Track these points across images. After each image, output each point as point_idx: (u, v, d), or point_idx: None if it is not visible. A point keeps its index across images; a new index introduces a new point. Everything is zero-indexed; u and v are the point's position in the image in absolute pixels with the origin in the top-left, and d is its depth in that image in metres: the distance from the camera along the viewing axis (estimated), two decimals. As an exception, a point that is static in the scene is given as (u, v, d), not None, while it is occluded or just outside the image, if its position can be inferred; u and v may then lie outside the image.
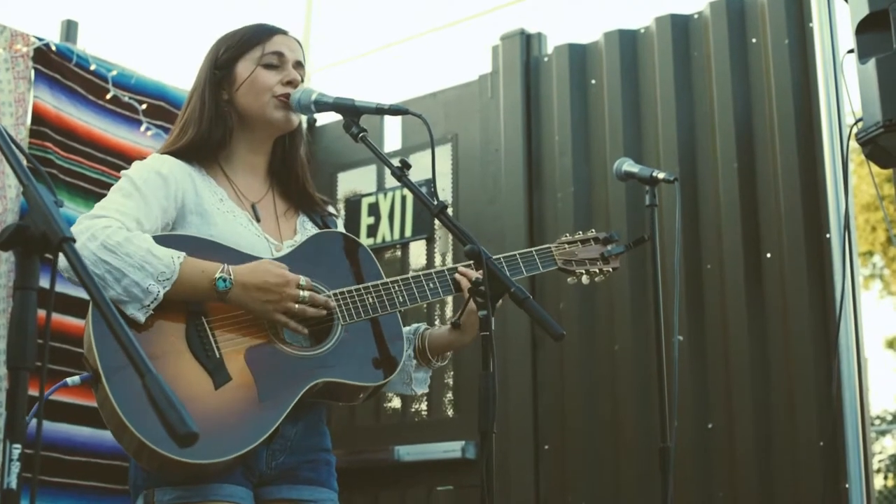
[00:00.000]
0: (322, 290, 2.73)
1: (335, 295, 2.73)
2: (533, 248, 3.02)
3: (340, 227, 3.03)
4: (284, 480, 2.72)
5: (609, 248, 3.07)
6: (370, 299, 2.76)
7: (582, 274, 3.03)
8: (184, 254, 2.55)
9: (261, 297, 2.58)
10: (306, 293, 2.63)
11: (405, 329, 2.90)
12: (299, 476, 2.73)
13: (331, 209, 3.05)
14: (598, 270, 3.05)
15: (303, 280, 2.63)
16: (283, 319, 2.61)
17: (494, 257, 2.80)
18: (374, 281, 2.81)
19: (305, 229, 2.92)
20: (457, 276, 2.83)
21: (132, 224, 2.58)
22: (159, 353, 2.52)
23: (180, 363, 2.53)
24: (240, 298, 2.58)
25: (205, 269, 2.56)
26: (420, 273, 2.85)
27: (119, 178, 2.74)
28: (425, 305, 5.61)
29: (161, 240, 2.59)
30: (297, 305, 2.60)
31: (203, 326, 2.60)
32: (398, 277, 2.82)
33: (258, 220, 2.83)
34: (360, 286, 2.78)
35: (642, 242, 3.25)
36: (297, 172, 2.98)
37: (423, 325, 2.99)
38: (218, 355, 2.58)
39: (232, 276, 2.56)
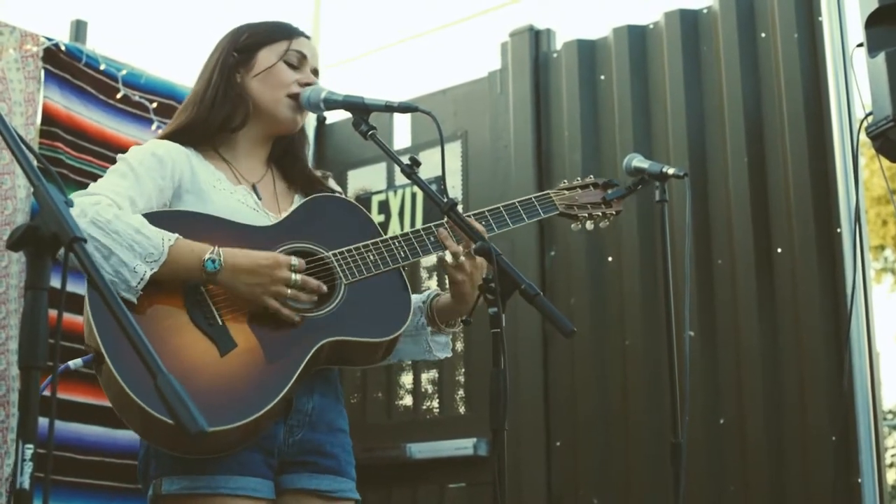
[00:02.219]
0: (320, 251, 2.71)
1: (335, 255, 2.71)
2: (532, 195, 2.99)
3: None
4: (305, 469, 2.69)
5: (610, 191, 3.06)
6: (371, 256, 2.74)
7: (585, 218, 3.02)
8: (176, 235, 2.52)
9: (250, 279, 2.55)
10: (298, 276, 2.59)
11: (416, 297, 2.86)
12: (319, 464, 2.70)
13: (332, 183, 3.06)
14: (601, 214, 3.04)
15: (294, 261, 2.60)
16: (274, 305, 2.57)
17: (490, 208, 2.84)
18: (372, 237, 2.79)
19: None
20: (440, 230, 2.81)
21: (125, 203, 2.56)
22: (161, 327, 2.50)
23: (183, 334, 2.51)
24: (228, 281, 2.54)
25: (194, 248, 2.53)
26: (420, 228, 2.83)
27: None
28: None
29: (155, 216, 2.57)
30: (289, 290, 2.57)
31: (202, 294, 2.57)
32: (398, 234, 2.81)
33: (260, 199, 2.83)
34: (360, 244, 2.75)
35: (643, 183, 3.21)
36: (300, 156, 2.99)
37: (433, 292, 2.95)
38: (220, 322, 2.55)
39: (221, 258, 2.53)
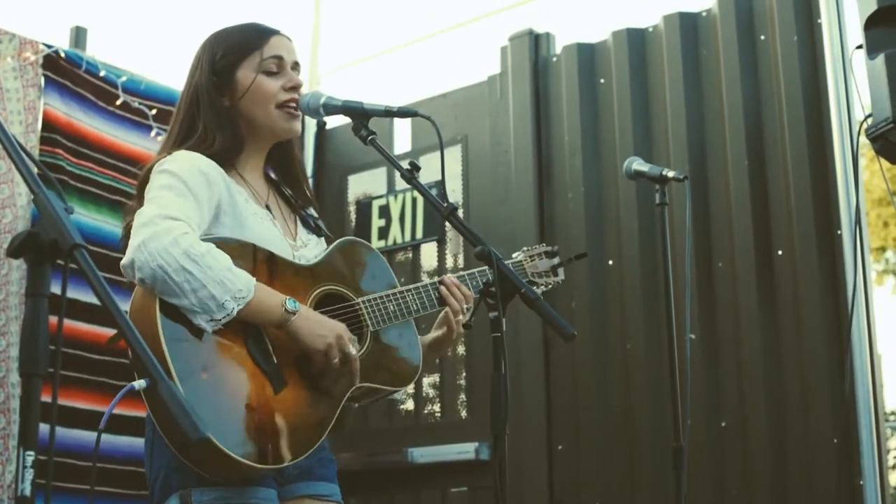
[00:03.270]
0: (350, 296, 2.85)
1: (363, 302, 2.83)
2: (510, 261, 3.14)
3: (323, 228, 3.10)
4: (303, 479, 2.79)
5: (555, 261, 3.28)
6: (391, 307, 2.87)
7: (542, 286, 3.23)
8: (255, 279, 2.60)
9: (318, 330, 2.64)
10: (353, 352, 2.69)
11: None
12: (313, 473, 2.81)
13: (314, 211, 3.10)
14: (551, 282, 3.27)
15: (357, 344, 2.73)
16: (323, 361, 2.66)
17: (466, 272, 3.01)
18: (389, 287, 2.93)
19: (302, 231, 2.98)
20: (442, 289, 2.95)
21: (197, 231, 2.59)
22: (223, 361, 2.57)
23: (241, 368, 2.59)
24: (300, 326, 2.62)
25: (274, 293, 2.62)
26: (428, 283, 2.95)
27: (131, 183, 2.75)
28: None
29: (213, 243, 2.61)
30: (337, 359, 2.65)
31: (261, 334, 2.64)
32: (410, 286, 2.93)
33: (274, 218, 2.88)
34: (382, 294, 2.88)
35: (583, 257, 3.42)
36: (298, 173, 3.03)
37: None
38: (275, 360, 2.64)
39: (298, 305, 2.63)
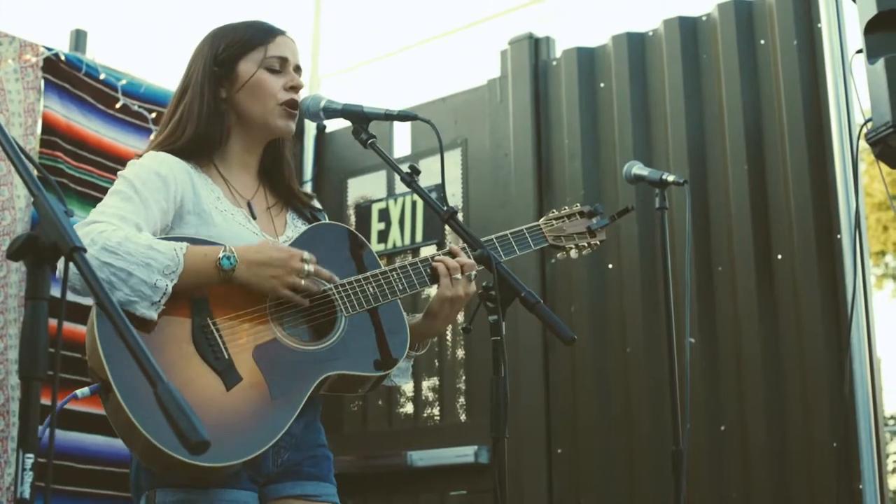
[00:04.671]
0: (322, 282, 2.73)
1: (336, 287, 2.73)
2: (523, 227, 3.01)
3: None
4: (289, 477, 2.72)
5: (594, 220, 3.10)
6: (371, 289, 2.76)
7: (571, 248, 3.06)
8: (185, 243, 2.54)
9: (266, 272, 2.58)
10: (311, 266, 2.63)
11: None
12: (302, 472, 2.74)
13: (316, 203, 3.06)
14: (586, 244, 3.08)
15: (306, 254, 2.64)
16: (289, 294, 2.61)
17: (484, 238, 2.84)
18: (372, 270, 2.81)
19: (296, 226, 2.92)
20: (434, 263, 2.83)
21: (131, 229, 2.56)
22: (168, 360, 2.50)
23: (190, 367, 2.52)
24: (244, 276, 2.57)
25: (207, 252, 2.56)
26: (417, 260, 2.84)
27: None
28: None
29: None
30: (303, 281, 2.61)
31: (210, 328, 2.58)
32: (396, 265, 2.82)
33: (254, 218, 2.83)
34: (360, 276, 2.77)
35: (626, 213, 3.24)
36: (284, 172, 2.98)
37: None
38: (227, 356, 2.57)
39: (235, 254, 2.56)
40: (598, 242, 3.11)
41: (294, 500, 2.72)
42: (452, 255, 2.85)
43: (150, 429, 2.37)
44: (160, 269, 2.47)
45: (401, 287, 2.79)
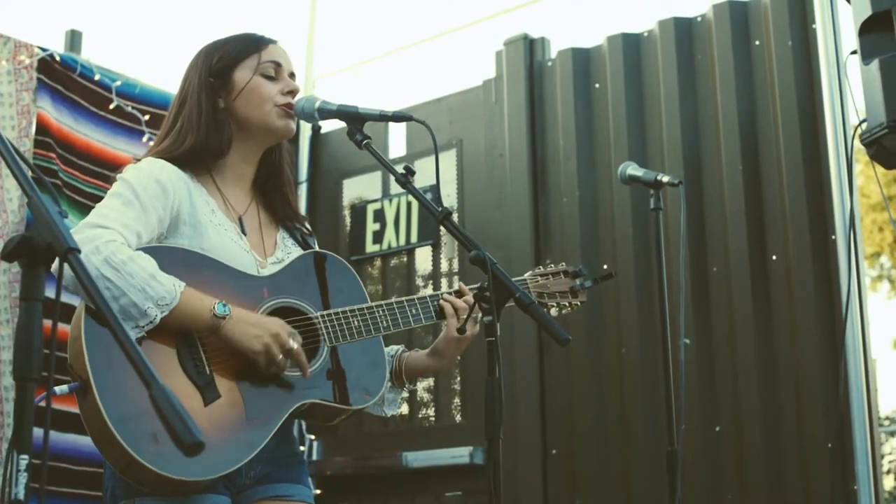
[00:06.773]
0: (308, 310, 2.77)
1: (322, 317, 2.77)
2: (514, 279, 3.03)
3: (316, 247, 3.04)
4: (260, 482, 2.74)
5: (577, 281, 3.11)
6: (356, 322, 2.80)
7: (553, 307, 3.09)
8: (184, 284, 2.55)
9: (252, 331, 2.60)
10: (296, 345, 2.64)
11: (385, 349, 2.94)
12: (272, 477, 2.76)
13: (307, 226, 3.08)
14: (567, 304, 3.11)
15: (298, 337, 2.66)
16: (265, 362, 2.61)
17: (470, 287, 2.91)
18: (359, 303, 2.85)
19: (286, 245, 2.94)
20: (441, 302, 2.90)
21: (133, 238, 2.57)
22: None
23: (171, 377, 2.52)
24: (232, 328, 2.58)
25: (204, 297, 2.58)
26: (404, 299, 2.89)
27: None
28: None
29: (152, 251, 2.58)
30: (279, 356, 2.61)
31: (195, 343, 2.60)
32: (382, 302, 2.86)
33: (244, 234, 2.83)
34: (347, 309, 2.81)
35: (609, 278, 3.28)
36: (283, 190, 2.99)
37: (401, 348, 3.04)
38: (208, 372, 2.59)
39: (230, 308, 2.58)
40: (578, 304, 3.13)
41: (265, 502, 2.74)
42: (460, 294, 2.92)
43: (127, 437, 2.39)
44: (155, 299, 2.49)
45: (384, 324, 2.84)
